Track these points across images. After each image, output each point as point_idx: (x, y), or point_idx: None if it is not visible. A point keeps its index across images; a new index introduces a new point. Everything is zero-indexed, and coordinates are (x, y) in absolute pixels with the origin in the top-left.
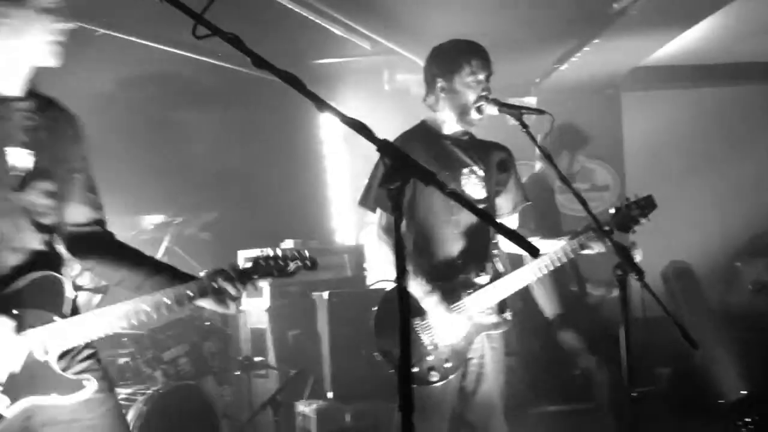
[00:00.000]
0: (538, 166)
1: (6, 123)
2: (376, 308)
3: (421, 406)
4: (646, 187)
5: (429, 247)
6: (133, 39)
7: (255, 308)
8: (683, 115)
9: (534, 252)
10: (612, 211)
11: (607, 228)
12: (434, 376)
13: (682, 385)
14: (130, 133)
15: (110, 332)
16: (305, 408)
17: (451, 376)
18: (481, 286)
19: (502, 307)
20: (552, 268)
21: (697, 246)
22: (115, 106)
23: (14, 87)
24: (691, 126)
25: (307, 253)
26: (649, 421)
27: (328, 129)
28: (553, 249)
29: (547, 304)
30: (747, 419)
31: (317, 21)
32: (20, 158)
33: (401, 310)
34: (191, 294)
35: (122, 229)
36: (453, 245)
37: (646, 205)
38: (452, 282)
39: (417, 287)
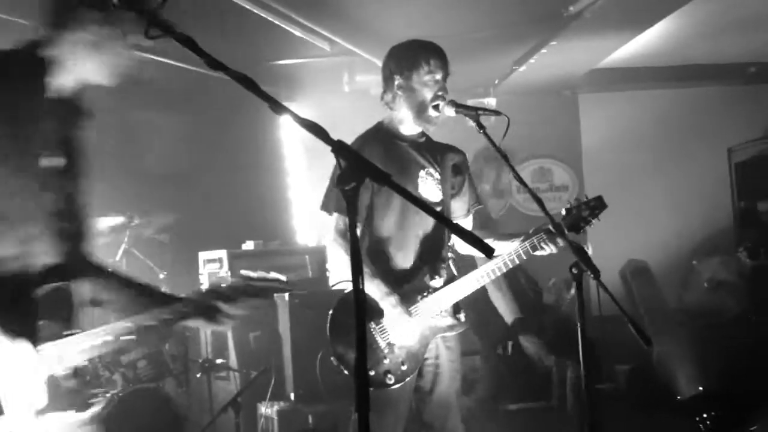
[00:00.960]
0: None
1: (45, 125)
2: (331, 312)
3: (377, 407)
4: (604, 187)
5: (384, 250)
6: None
7: None
8: (640, 116)
9: (489, 253)
10: (563, 212)
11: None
12: (391, 379)
13: (640, 382)
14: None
15: (103, 352)
16: (267, 409)
17: (407, 379)
18: (436, 289)
19: (456, 309)
20: (505, 270)
21: (654, 244)
22: None
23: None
24: (648, 126)
25: (275, 276)
26: (608, 418)
27: (288, 130)
28: (506, 251)
29: (507, 311)
30: (705, 415)
31: (275, 22)
32: (54, 161)
33: (358, 312)
34: (185, 311)
35: None
36: (408, 248)
37: (597, 205)
38: (407, 285)
39: (375, 289)
